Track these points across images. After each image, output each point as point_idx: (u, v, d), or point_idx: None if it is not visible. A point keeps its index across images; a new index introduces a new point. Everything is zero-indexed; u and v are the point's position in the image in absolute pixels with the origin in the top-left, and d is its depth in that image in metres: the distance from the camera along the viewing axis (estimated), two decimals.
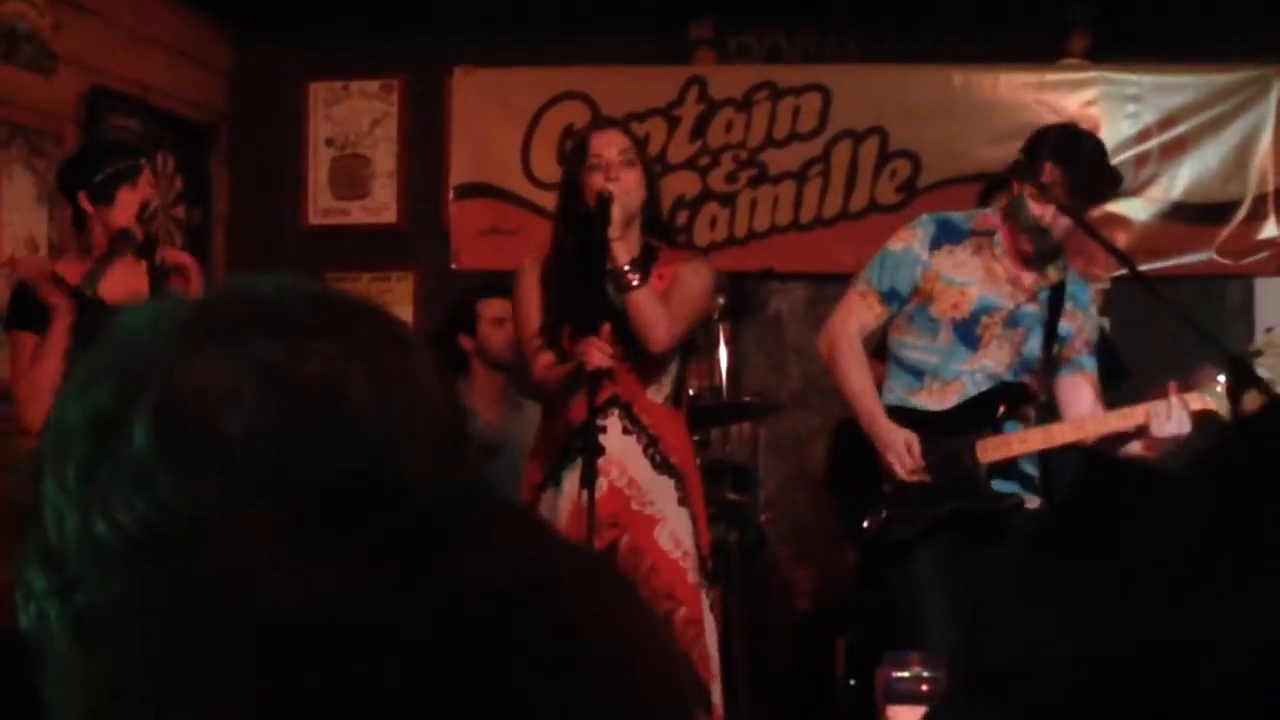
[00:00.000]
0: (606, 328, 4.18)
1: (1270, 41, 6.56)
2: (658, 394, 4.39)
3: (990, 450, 4.41)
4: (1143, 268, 5.32)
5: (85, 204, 4.64)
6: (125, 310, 0.97)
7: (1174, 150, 6.65)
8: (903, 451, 4.37)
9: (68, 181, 4.78)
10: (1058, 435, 4.41)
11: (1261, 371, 4.74)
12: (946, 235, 4.50)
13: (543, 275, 4.40)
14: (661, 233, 4.50)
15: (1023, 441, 4.43)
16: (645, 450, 4.33)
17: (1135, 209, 6.65)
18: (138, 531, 0.92)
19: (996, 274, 4.47)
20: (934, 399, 4.47)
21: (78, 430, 0.94)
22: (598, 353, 4.11)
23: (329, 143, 7.13)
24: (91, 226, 4.66)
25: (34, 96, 5.68)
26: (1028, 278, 4.48)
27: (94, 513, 0.92)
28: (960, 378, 4.46)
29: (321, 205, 7.13)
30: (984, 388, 4.46)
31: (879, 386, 4.55)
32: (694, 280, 4.40)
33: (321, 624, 0.64)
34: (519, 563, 0.69)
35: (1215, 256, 6.63)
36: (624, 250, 4.23)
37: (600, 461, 4.10)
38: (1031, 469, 4.52)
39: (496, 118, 6.96)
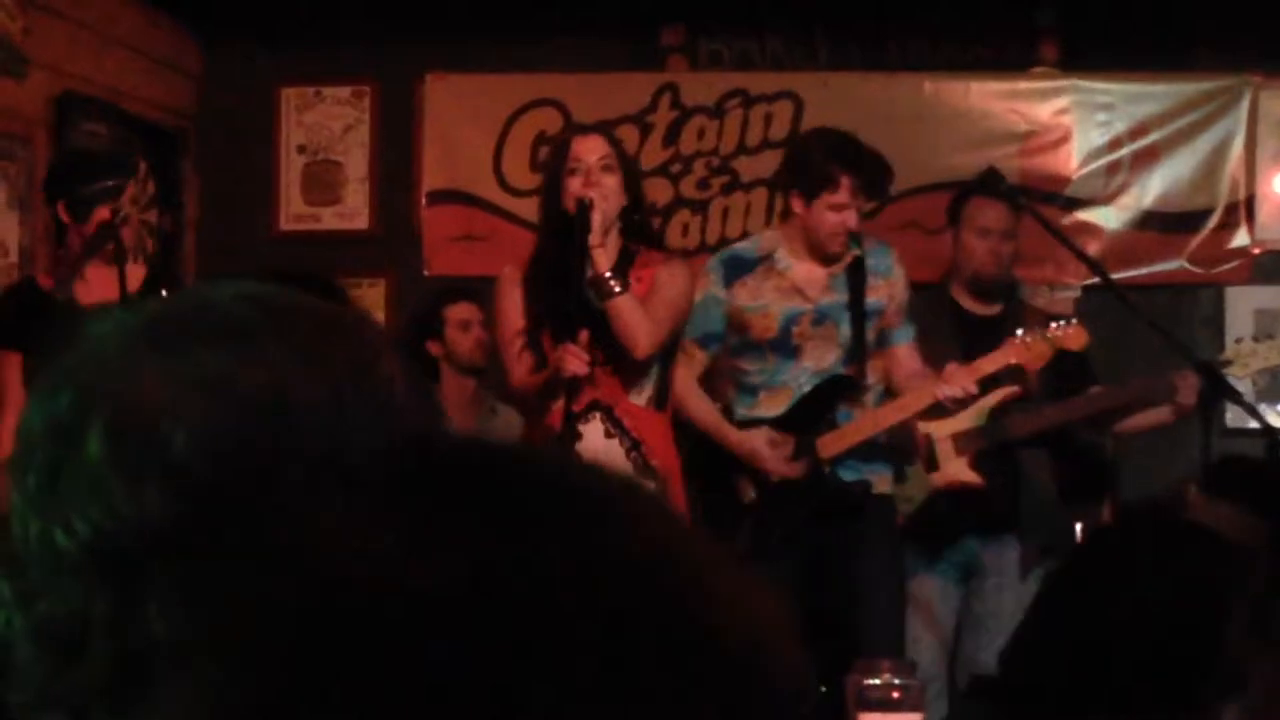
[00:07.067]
0: (584, 334, 4.17)
1: (1241, 51, 6.58)
2: (639, 396, 4.39)
3: (830, 445, 4.69)
4: (1114, 276, 5.35)
5: (63, 214, 4.61)
6: (93, 318, 0.98)
7: (1145, 159, 6.66)
8: (763, 445, 4.65)
9: (51, 188, 4.72)
10: (884, 417, 4.73)
11: (1232, 381, 4.79)
12: (736, 270, 4.76)
13: (524, 280, 4.39)
14: (641, 235, 4.49)
15: (857, 430, 4.71)
16: (628, 454, 4.33)
17: (1106, 217, 6.66)
18: (94, 541, 0.92)
19: (786, 288, 4.72)
20: (767, 408, 4.73)
21: (39, 438, 0.94)
22: (574, 360, 4.11)
23: (300, 149, 7.10)
24: (69, 237, 4.64)
25: (4, 101, 5.64)
26: (820, 273, 4.72)
27: (54, 521, 0.93)
28: (788, 384, 4.73)
29: (293, 211, 7.10)
30: (809, 387, 4.72)
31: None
32: (672, 284, 4.40)
33: (399, 595, 0.60)
34: (646, 541, 0.65)
35: (1186, 265, 6.64)
36: (604, 257, 4.24)
37: None
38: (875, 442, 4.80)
39: (468, 124, 6.94)
